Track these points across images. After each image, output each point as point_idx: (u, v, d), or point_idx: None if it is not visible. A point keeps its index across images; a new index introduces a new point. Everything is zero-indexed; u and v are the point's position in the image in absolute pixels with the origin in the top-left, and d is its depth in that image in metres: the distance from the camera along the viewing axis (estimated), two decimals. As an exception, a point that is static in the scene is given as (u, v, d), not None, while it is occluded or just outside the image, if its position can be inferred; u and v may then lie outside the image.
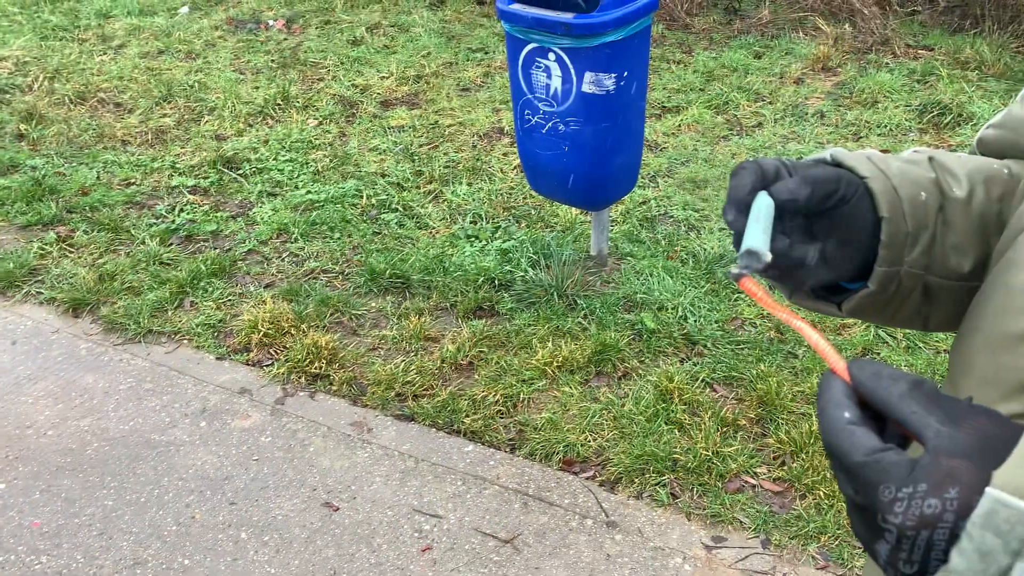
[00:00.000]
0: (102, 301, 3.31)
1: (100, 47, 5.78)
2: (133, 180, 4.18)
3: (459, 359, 2.96)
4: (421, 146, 4.45)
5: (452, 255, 3.52)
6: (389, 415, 2.79)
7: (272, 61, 5.48)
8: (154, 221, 3.83)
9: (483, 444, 2.66)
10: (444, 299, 3.28)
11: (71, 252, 3.62)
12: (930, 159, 0.81)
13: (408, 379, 2.90)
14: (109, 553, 2.35)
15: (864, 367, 0.57)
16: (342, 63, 5.43)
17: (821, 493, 2.43)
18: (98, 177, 4.20)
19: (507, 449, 2.64)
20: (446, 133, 4.58)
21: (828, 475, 2.47)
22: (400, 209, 3.89)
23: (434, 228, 3.76)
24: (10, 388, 2.94)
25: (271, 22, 6.09)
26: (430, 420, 2.75)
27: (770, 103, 4.79)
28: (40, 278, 3.46)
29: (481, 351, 2.99)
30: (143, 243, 3.65)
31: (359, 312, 3.24)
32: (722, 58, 5.35)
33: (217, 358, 3.04)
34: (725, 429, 2.65)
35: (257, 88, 5.09)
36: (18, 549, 2.37)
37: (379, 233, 3.73)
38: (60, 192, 4.03)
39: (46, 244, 3.64)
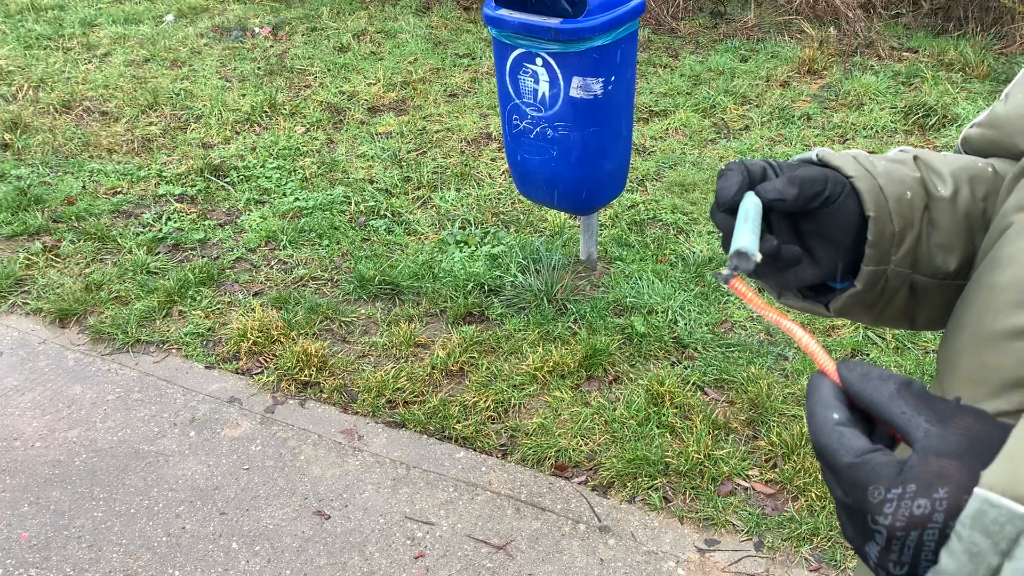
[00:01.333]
0: (89, 311, 3.29)
1: (85, 56, 5.76)
2: (119, 189, 4.16)
3: (449, 365, 2.95)
4: (409, 152, 4.45)
5: (441, 261, 3.51)
6: (380, 422, 2.78)
7: (258, 68, 5.46)
8: (141, 230, 3.80)
9: (474, 450, 2.65)
10: (434, 305, 3.27)
11: (57, 262, 3.59)
12: (915, 158, 0.82)
13: (398, 386, 2.89)
14: (99, 565, 2.33)
15: (853, 368, 0.57)
16: (329, 70, 5.43)
17: (813, 495, 2.43)
18: (84, 186, 4.17)
19: (499, 455, 2.64)
20: (434, 139, 4.58)
21: (820, 477, 2.47)
22: (389, 215, 3.88)
23: (423, 234, 3.75)
24: (-3, 400, 2.92)
25: (257, 29, 6.07)
26: (421, 427, 2.74)
27: (757, 106, 4.81)
28: (26, 288, 3.43)
29: (471, 357, 2.98)
30: (130, 252, 3.63)
31: (349, 319, 3.23)
32: (708, 62, 5.37)
33: (206, 367, 3.03)
34: (717, 432, 2.66)
35: (244, 96, 5.07)
36: (6, 563, 2.34)
37: (368, 240, 3.72)
38: (46, 202, 4.01)
39: (32, 254, 3.62)
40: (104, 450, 2.71)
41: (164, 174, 4.27)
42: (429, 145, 4.52)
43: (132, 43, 5.91)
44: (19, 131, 4.70)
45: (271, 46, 5.84)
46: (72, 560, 2.35)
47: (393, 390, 2.87)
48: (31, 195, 4.04)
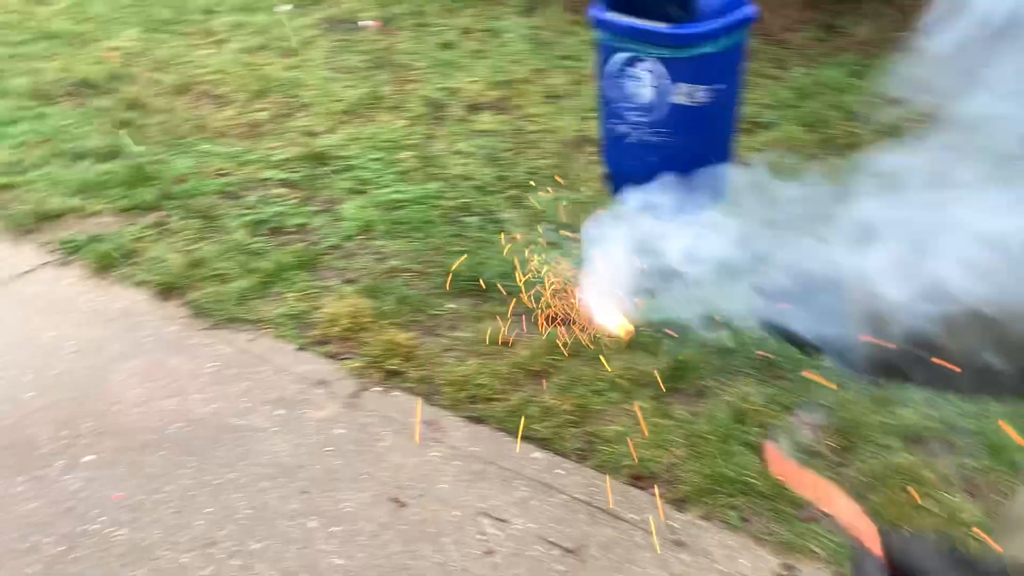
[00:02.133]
0: (191, 286, 3.43)
1: (203, 41, 6.00)
2: (227, 171, 4.32)
3: (532, 366, 2.95)
4: (506, 151, 4.48)
5: (532, 261, 3.52)
6: (461, 416, 2.80)
7: (365, 61, 5.59)
8: (244, 212, 3.94)
9: (552, 452, 2.65)
10: (521, 305, 3.28)
11: (165, 237, 3.76)
12: None
13: (481, 382, 2.91)
14: (184, 531, 2.43)
15: (896, 539, 0.55)
16: (432, 65, 5.51)
17: (900, 528, 2.33)
18: (194, 166, 4.35)
19: (576, 459, 2.62)
20: (531, 139, 4.59)
21: (908, 510, 2.37)
22: (482, 213, 3.92)
23: (515, 233, 3.77)
24: (102, 365, 3.07)
25: (366, 23, 6.22)
26: (500, 424, 2.75)
27: (865, 123, 4.64)
28: (135, 261, 3.60)
29: (555, 359, 2.98)
30: (233, 232, 3.77)
31: (436, 312, 3.27)
32: (817, 75, 5.22)
33: (297, 349, 3.11)
34: (801, 456, 2.58)
35: (349, 87, 5.20)
36: (102, 519, 2.46)
37: (460, 235, 3.76)
38: (159, 179, 4.19)
39: (143, 228, 3.79)
40: (197, 421, 2.82)
41: (269, 159, 4.42)
42: (526, 145, 4.54)
43: (247, 31, 6.13)
44: (138, 111, 4.94)
45: (378, 40, 5.97)
46: (160, 523, 2.45)
47: (475, 385, 2.89)
48: (146, 172, 4.24)
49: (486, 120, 4.82)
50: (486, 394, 2.87)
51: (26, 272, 3.56)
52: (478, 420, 2.78)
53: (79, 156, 4.42)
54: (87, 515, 2.48)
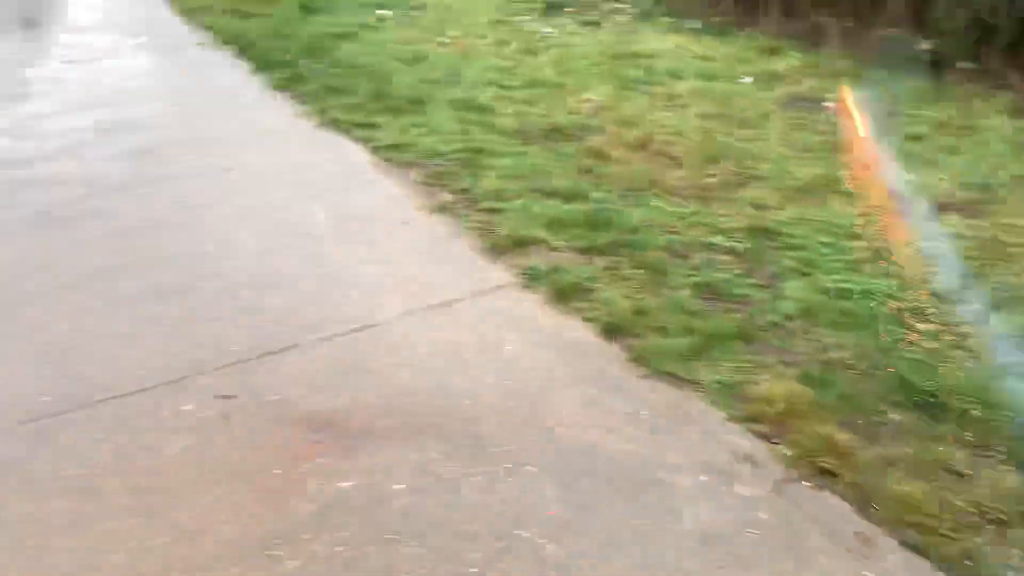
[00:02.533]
0: (633, 333, 3.60)
1: (665, 103, 6.35)
2: (675, 229, 4.49)
3: (993, 510, 2.61)
4: (973, 259, 4.07)
5: (1002, 389, 3.13)
6: (898, 539, 2.57)
7: (824, 142, 5.48)
8: (689, 272, 4.05)
9: (1013, 616, 2.31)
10: (983, 433, 2.93)
11: (615, 281, 4.00)
12: None
13: (926, 509, 2.64)
14: (606, 566, 2.52)
15: None
16: (898, 157, 5.22)
17: None
18: (646, 219, 4.59)
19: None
20: (1007, 252, 4.13)
21: None
22: (940, 323, 3.59)
23: (979, 353, 3.39)
24: (548, 385, 3.34)
25: (828, 104, 6.11)
26: (947, 563, 2.46)
27: None
28: (587, 298, 3.88)
29: (1024, 509, 2.61)
30: (676, 289, 3.89)
31: (880, 419, 3.05)
32: None
33: (727, 419, 3.10)
34: None
35: (804, 166, 5.13)
36: (532, 529, 2.65)
37: (911, 341, 3.48)
38: (613, 226, 4.49)
39: (596, 269, 4.09)
40: (624, 462, 2.93)
41: (717, 224, 4.51)
42: (999, 257, 4.09)
43: (708, 98, 6.37)
44: (600, 160, 5.37)
45: (839, 122, 5.82)
46: (585, 551, 2.56)
47: (919, 511, 2.63)
48: (602, 218, 4.57)
49: (953, 222, 4.43)
50: (930, 524, 2.59)
51: (496, 288, 4.03)
52: (918, 550, 2.53)
53: (548, 193, 4.91)
54: (522, 521, 2.69)
